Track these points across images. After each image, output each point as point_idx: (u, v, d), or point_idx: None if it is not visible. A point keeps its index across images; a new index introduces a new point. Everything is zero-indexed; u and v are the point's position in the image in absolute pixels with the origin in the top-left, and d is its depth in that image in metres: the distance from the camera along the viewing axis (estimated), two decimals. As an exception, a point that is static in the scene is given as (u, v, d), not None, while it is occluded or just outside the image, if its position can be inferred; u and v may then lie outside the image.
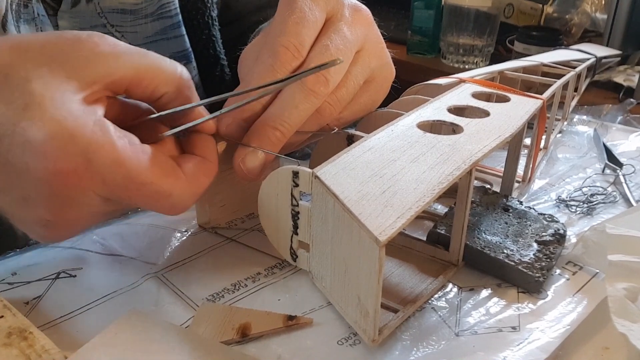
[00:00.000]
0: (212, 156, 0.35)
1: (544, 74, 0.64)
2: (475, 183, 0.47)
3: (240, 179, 0.38)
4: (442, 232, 0.40)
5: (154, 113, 0.34)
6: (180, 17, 0.56)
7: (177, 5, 0.56)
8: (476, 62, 0.97)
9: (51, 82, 0.28)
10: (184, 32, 0.57)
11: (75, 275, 0.38)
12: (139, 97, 0.33)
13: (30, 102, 0.27)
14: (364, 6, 0.41)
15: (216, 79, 0.60)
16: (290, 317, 0.34)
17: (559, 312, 0.36)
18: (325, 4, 0.38)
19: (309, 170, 0.34)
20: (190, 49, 0.57)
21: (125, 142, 0.30)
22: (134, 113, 0.34)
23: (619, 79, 0.83)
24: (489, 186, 0.49)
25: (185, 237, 0.43)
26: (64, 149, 0.27)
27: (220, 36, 0.61)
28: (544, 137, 0.58)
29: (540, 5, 1.02)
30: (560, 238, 0.41)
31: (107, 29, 0.52)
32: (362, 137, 0.39)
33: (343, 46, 0.37)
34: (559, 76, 0.59)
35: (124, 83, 0.31)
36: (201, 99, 0.36)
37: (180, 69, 0.33)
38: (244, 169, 0.37)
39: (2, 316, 0.33)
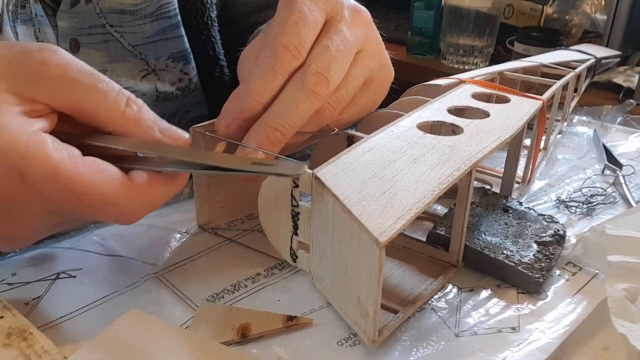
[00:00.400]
0: (175, 176, 0.33)
1: (544, 75, 0.65)
2: (475, 184, 0.47)
3: (240, 180, 0.38)
4: (442, 232, 0.40)
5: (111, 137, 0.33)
6: (179, 17, 0.56)
7: (176, 5, 0.56)
8: (476, 62, 0.97)
9: None
10: (183, 33, 0.57)
11: (75, 276, 0.38)
12: (86, 126, 0.32)
13: None
14: (363, 7, 0.41)
15: (215, 79, 0.60)
16: (290, 318, 0.34)
17: (558, 312, 0.36)
18: (325, 4, 0.38)
19: (309, 171, 0.34)
20: (189, 50, 0.57)
21: (63, 154, 0.29)
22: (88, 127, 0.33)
23: (619, 79, 0.84)
24: (488, 187, 0.49)
25: (185, 238, 0.43)
26: None
27: (219, 37, 0.61)
28: (543, 137, 0.58)
29: (540, 6, 1.02)
30: (559, 239, 0.41)
31: (106, 29, 0.52)
32: (362, 137, 0.39)
33: (343, 47, 0.37)
34: (559, 77, 0.59)
35: (66, 110, 0.30)
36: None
37: (123, 108, 0.32)
38: None
39: (2, 317, 0.33)
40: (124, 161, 0.32)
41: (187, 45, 0.57)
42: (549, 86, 0.55)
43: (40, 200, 0.29)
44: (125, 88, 0.54)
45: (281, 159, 0.34)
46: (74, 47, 0.50)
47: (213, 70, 0.60)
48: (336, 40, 0.37)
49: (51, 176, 0.28)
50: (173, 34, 0.56)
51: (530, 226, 0.42)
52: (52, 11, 0.49)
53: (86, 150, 0.30)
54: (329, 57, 0.36)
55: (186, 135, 0.34)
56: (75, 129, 0.33)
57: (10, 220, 0.29)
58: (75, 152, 0.30)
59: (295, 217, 0.36)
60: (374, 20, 0.43)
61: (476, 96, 0.48)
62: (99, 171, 0.30)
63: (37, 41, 0.48)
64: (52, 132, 0.30)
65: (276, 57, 0.36)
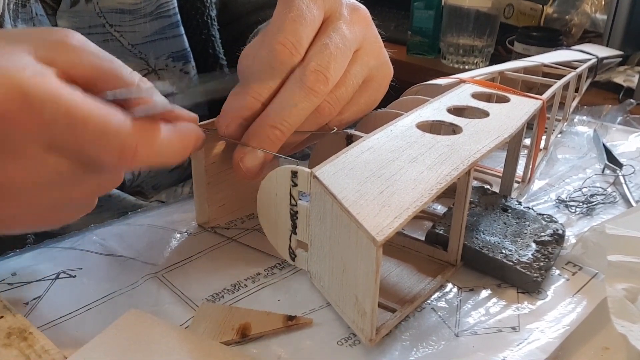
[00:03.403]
0: (184, 128, 0.34)
1: (545, 75, 0.64)
2: (475, 183, 0.47)
3: (240, 179, 0.38)
4: (441, 232, 0.40)
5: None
6: (178, 16, 0.56)
7: (176, 4, 0.56)
8: (476, 62, 0.97)
9: (11, 45, 0.28)
10: (183, 32, 0.57)
11: (75, 276, 0.38)
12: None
13: None
14: (362, 5, 0.41)
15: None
16: (290, 318, 0.34)
17: (558, 312, 0.36)
18: (323, 2, 0.38)
19: (308, 170, 0.34)
20: (189, 49, 0.58)
21: (67, 86, 0.28)
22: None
23: (619, 79, 0.83)
24: (488, 187, 0.49)
25: (185, 238, 0.43)
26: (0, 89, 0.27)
27: (219, 36, 0.61)
28: (544, 137, 0.58)
29: (540, 6, 1.02)
30: (558, 238, 0.41)
31: (106, 28, 0.52)
32: (361, 137, 0.39)
33: (342, 45, 0.37)
34: (560, 77, 0.59)
35: (81, 78, 0.30)
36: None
37: (138, 81, 0.32)
38: (243, 169, 0.37)
39: (2, 316, 0.33)
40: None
41: (187, 44, 0.57)
42: (550, 86, 0.55)
43: (42, 127, 0.28)
44: None
45: (281, 159, 0.34)
46: None
47: (213, 69, 0.60)
48: (335, 38, 0.37)
49: (55, 99, 0.28)
50: (173, 33, 0.56)
51: (529, 226, 0.42)
52: (52, 11, 0.49)
53: None
54: (327, 55, 0.36)
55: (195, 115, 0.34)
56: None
57: (10, 156, 0.28)
58: (78, 89, 0.29)
59: (293, 216, 0.36)
60: (373, 20, 0.43)
61: (476, 96, 0.48)
62: (102, 104, 0.29)
63: None
64: None
65: (274, 55, 0.36)
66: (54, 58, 0.29)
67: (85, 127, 0.28)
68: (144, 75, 0.54)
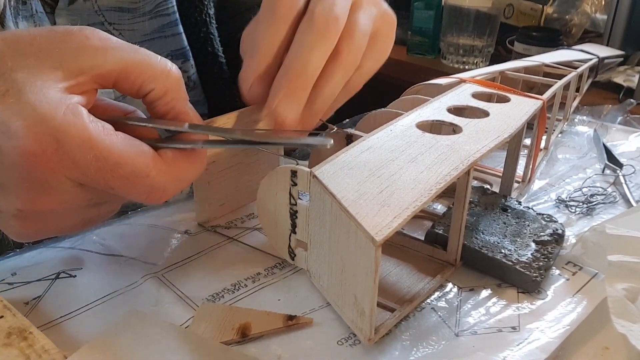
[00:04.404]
0: (197, 153, 0.35)
1: (546, 75, 0.64)
2: (475, 183, 0.47)
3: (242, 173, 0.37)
4: (440, 232, 0.40)
5: (139, 117, 0.34)
6: (177, 15, 0.56)
7: (174, 3, 0.56)
8: (476, 62, 0.97)
9: (35, 71, 0.29)
10: (182, 30, 0.57)
11: (75, 275, 0.38)
12: (127, 92, 0.33)
13: (11, 89, 0.28)
14: None
15: (215, 76, 0.61)
16: (290, 317, 0.34)
17: (558, 312, 0.36)
18: None
19: (307, 169, 0.34)
20: (187, 47, 0.58)
21: (98, 126, 0.29)
22: (119, 114, 0.34)
23: (619, 79, 0.83)
24: (487, 186, 0.49)
25: (185, 238, 0.43)
26: (33, 130, 0.28)
27: (217, 34, 0.61)
28: (544, 137, 0.58)
29: (540, 6, 1.02)
30: (558, 238, 0.41)
31: (105, 26, 0.52)
32: (361, 136, 0.39)
33: None
34: (561, 76, 0.59)
35: (111, 76, 0.31)
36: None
37: (170, 66, 0.33)
38: (278, 118, 0.36)
39: (2, 316, 0.33)
40: (150, 141, 0.32)
41: (186, 42, 0.57)
42: (551, 86, 0.55)
43: (74, 169, 0.29)
44: None
45: (281, 158, 0.34)
46: None
47: (212, 67, 0.60)
48: None
49: (86, 144, 0.28)
50: (172, 32, 0.56)
51: (528, 225, 0.42)
52: (51, 8, 0.49)
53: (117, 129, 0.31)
54: (329, 1, 0.36)
55: None
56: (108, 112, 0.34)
57: (39, 191, 0.29)
58: (109, 126, 0.30)
59: (293, 215, 0.36)
60: None
61: (476, 95, 0.48)
62: (131, 144, 0.30)
63: None
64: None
65: (274, 7, 0.36)
66: (82, 68, 0.30)
67: (116, 172, 0.30)
68: None
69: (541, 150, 0.57)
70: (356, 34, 0.38)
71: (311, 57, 0.36)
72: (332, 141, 0.33)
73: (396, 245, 0.41)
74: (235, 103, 0.54)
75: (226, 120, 0.41)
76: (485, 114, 0.44)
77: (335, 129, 0.41)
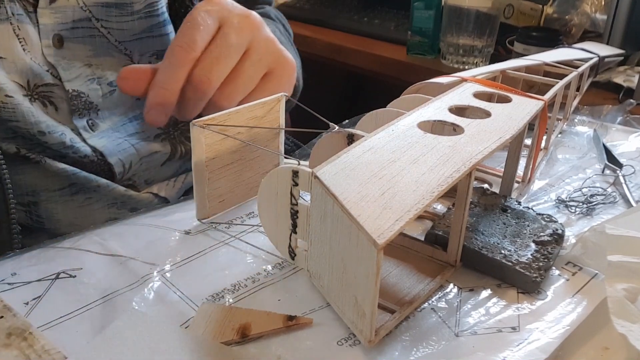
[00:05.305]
0: None
1: (546, 74, 0.64)
2: (475, 183, 0.47)
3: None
4: (440, 233, 0.40)
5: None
6: (167, 15, 0.57)
7: (165, 3, 0.56)
8: (476, 62, 0.97)
9: None
10: (170, 31, 0.58)
11: (75, 276, 0.38)
12: None
13: None
14: (252, 12, 0.49)
15: None
16: (290, 318, 0.34)
17: (558, 312, 0.36)
18: (217, 13, 0.46)
19: (309, 170, 0.34)
20: None
21: None
22: None
23: (619, 79, 0.83)
24: (487, 187, 0.49)
25: (185, 237, 0.43)
26: None
27: None
28: (544, 137, 0.58)
29: (540, 6, 1.02)
30: (558, 238, 0.41)
31: (92, 22, 0.52)
32: (363, 136, 0.39)
33: (226, 49, 0.45)
34: (561, 76, 0.59)
35: None
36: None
37: None
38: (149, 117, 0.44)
39: (2, 316, 0.33)
40: None
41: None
42: (551, 85, 0.55)
43: None
44: (110, 82, 0.56)
45: (282, 158, 0.34)
46: (57, 43, 0.51)
47: None
48: (220, 45, 0.45)
49: None
50: (159, 32, 0.56)
51: (528, 226, 0.42)
52: (33, 8, 0.49)
53: None
54: (210, 61, 0.44)
55: None
56: None
57: None
58: None
59: (294, 215, 0.36)
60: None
61: (478, 95, 0.48)
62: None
63: (18, 39, 0.49)
64: None
65: (173, 55, 0.43)
66: None
67: None
68: None
69: (541, 150, 0.57)
70: (230, 87, 0.46)
71: (184, 105, 0.45)
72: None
73: (396, 246, 0.41)
74: None
75: (226, 117, 0.42)
76: (486, 114, 0.44)
77: (337, 128, 0.41)
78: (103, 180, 0.53)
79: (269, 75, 0.48)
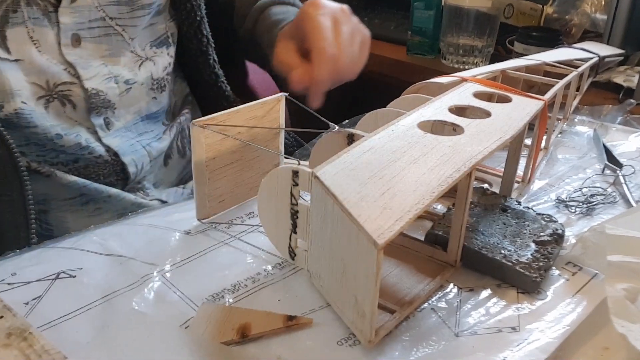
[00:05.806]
0: None
1: (546, 73, 0.64)
2: (475, 183, 0.47)
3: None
4: (440, 233, 0.40)
5: None
6: (159, 2, 0.58)
7: None
8: (476, 62, 0.97)
9: None
10: (158, 21, 0.59)
11: (75, 276, 0.38)
12: None
13: None
14: (343, 5, 0.55)
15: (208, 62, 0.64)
16: (290, 318, 0.34)
17: (558, 312, 0.36)
18: (329, 14, 0.52)
19: (309, 170, 0.34)
20: (167, 34, 0.60)
21: None
22: None
23: (619, 79, 0.83)
24: (487, 187, 0.49)
25: (185, 237, 0.43)
26: None
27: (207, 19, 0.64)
28: (544, 137, 0.58)
29: (540, 6, 1.02)
30: (558, 238, 0.41)
31: (106, 21, 0.53)
32: (363, 136, 0.39)
33: (348, 34, 0.53)
34: (562, 76, 0.59)
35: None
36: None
37: None
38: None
39: (2, 316, 0.33)
40: None
41: (163, 31, 0.60)
42: (551, 85, 0.55)
43: None
44: (126, 80, 0.57)
45: (282, 157, 0.34)
46: (75, 42, 0.51)
47: (205, 51, 0.63)
48: (345, 39, 0.52)
49: None
50: (152, 22, 0.58)
51: (528, 226, 0.42)
52: (54, 8, 0.49)
53: None
54: (345, 53, 0.52)
55: None
56: None
57: None
58: None
59: (294, 215, 0.36)
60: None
61: (478, 95, 0.48)
62: None
63: (32, 41, 0.49)
64: None
65: (324, 53, 0.50)
66: None
67: None
68: (141, 64, 0.57)
69: (541, 150, 0.57)
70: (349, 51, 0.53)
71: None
72: None
73: (396, 246, 0.41)
74: (216, 83, 0.64)
75: (226, 117, 0.42)
76: (487, 114, 0.44)
77: (337, 128, 0.41)
78: (114, 190, 0.54)
79: (362, 48, 0.57)
